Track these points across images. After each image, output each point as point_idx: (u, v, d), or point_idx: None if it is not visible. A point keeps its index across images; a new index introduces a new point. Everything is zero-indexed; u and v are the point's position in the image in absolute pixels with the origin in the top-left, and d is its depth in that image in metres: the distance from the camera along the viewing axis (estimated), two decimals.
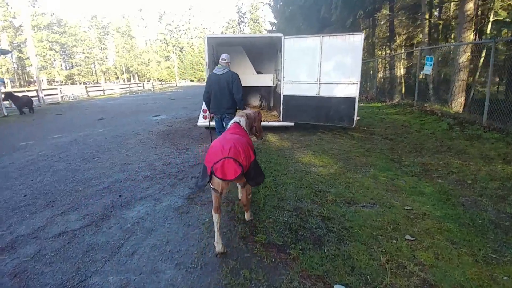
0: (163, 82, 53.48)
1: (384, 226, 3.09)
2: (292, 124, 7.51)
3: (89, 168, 5.31)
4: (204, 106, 7.50)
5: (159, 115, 12.17)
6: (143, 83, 41.99)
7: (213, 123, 5.46)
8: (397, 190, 4.08)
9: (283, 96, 7.35)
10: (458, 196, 3.84)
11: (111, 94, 30.74)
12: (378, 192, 3.98)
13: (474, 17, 8.44)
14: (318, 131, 7.92)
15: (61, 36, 66.62)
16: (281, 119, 7.53)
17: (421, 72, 9.35)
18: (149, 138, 7.67)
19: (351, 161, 5.37)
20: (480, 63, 9.20)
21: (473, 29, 8.71)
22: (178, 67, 70.19)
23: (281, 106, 7.42)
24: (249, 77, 8.98)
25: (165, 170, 5.09)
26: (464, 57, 8.61)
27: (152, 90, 37.36)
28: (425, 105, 8.58)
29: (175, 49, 73.79)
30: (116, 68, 74.96)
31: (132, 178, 4.77)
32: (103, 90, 31.70)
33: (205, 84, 5.04)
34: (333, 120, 7.01)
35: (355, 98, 6.68)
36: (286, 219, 3.30)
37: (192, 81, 70.27)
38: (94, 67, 76.32)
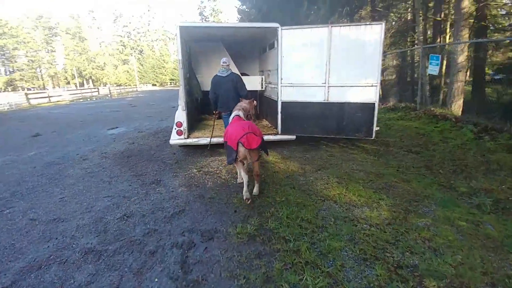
0: (122, 87, 48.57)
1: None
2: (293, 137, 5.82)
3: None
4: (177, 119, 5.49)
5: (117, 127, 9.67)
6: (98, 88, 37.39)
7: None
8: (496, 245, 2.61)
9: (282, 102, 5.63)
10: None
11: (58, 101, 26.41)
12: (479, 255, 2.46)
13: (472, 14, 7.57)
14: (321, 144, 6.34)
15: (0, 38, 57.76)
16: (279, 132, 5.79)
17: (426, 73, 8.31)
18: (100, 165, 5.41)
19: (395, 191, 3.81)
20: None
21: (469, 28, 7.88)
22: (139, 71, 64.80)
23: (279, 115, 5.69)
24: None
25: (124, 232, 3.04)
26: (462, 57, 7.71)
27: (109, 95, 33.27)
28: (432, 109, 7.49)
29: (134, 52, 68.18)
30: (66, 72, 67.08)
31: (62, 256, 2.67)
32: (49, 97, 27.10)
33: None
34: (346, 131, 5.46)
35: (374, 103, 5.20)
36: None
37: (154, 85, 65.41)
38: (40, 72, 67.55)
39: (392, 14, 12.11)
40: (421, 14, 9.43)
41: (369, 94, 5.19)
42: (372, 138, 5.38)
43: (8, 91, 54.83)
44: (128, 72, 64.63)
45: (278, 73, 5.53)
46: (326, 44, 5.15)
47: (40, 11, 64.83)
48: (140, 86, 58.75)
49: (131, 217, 3.35)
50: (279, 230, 2.91)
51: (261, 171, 4.68)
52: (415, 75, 10.67)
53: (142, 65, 65.87)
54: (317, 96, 5.42)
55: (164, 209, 3.52)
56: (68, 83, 68.65)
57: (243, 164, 3.65)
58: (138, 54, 68.35)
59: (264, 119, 7.63)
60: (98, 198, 3.97)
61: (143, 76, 65.45)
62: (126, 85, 56.38)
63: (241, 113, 4.14)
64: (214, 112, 5.24)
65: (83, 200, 3.93)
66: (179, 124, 5.50)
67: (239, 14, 27.27)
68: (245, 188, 3.57)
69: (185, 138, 5.57)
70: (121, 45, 68.33)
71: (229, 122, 4.11)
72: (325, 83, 5.31)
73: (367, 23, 5.02)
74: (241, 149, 3.39)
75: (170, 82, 70.66)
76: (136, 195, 3.98)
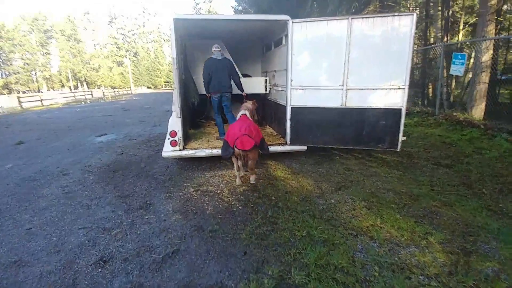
0: (116, 90, 47.40)
1: None
2: (304, 148, 5.05)
3: None
4: (171, 128, 4.69)
5: (106, 134, 8.82)
6: (91, 91, 36.31)
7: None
8: None
9: (291, 107, 4.86)
10: None
11: (51, 104, 25.37)
12: None
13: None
14: (334, 154, 5.59)
15: None
16: (288, 142, 5.02)
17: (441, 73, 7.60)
18: (81, 183, 4.58)
19: (440, 220, 3.05)
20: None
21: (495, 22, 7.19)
22: (133, 73, 63.51)
23: (288, 122, 4.92)
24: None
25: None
26: (487, 55, 7.01)
27: (103, 98, 32.25)
28: (454, 114, 6.77)
29: (129, 54, 66.93)
30: (61, 74, 65.66)
31: None
32: (41, 100, 26.04)
33: (203, 70, 5.23)
34: (366, 142, 4.70)
35: (400, 109, 4.46)
36: None
37: (149, 87, 64.23)
38: (35, 74, 66.09)
39: (402, 10, 11.41)
40: (439, 8, 8.67)
41: (395, 98, 4.44)
42: (398, 150, 4.63)
43: (3, 94, 53.43)
44: (122, 74, 63.47)
45: (288, 74, 4.76)
46: (345, 40, 4.40)
47: (35, 13, 63.41)
48: (135, 89, 57.69)
49: (109, 262, 2.54)
50: (308, 286, 2.13)
51: (271, 191, 3.91)
52: (429, 77, 9.96)
53: (137, 67, 64.76)
54: (332, 100, 4.66)
55: (153, 248, 2.72)
56: (63, 85, 67.18)
57: (237, 159, 4.03)
58: (133, 56, 67.23)
59: (267, 126, 6.85)
60: (72, 230, 3.15)
61: (138, 78, 64.33)
62: (121, 88, 55.26)
63: (247, 113, 4.43)
64: (207, 95, 5.44)
65: (54, 232, 3.11)
66: (173, 134, 4.70)
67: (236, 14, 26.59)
68: (237, 180, 4.19)
69: (180, 150, 4.78)
70: (116, 47, 67.19)
71: (238, 118, 4.41)
72: (342, 85, 4.56)
73: (395, 14, 4.26)
74: (236, 150, 3.80)
75: (165, 85, 69.60)
76: (119, 226, 3.17)
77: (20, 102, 23.61)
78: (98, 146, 7.11)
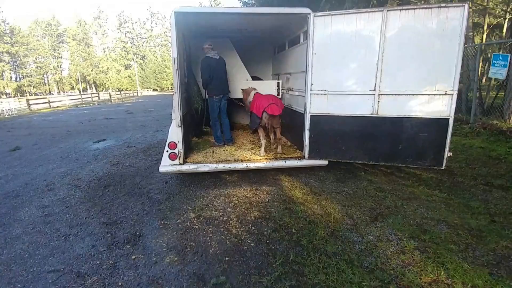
0: (123, 92, 47.20)
1: None
2: (325, 163, 4.25)
3: None
4: (170, 139, 3.95)
5: (104, 140, 8.14)
6: (98, 93, 36.08)
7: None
8: None
9: (311, 116, 4.07)
10: None
11: (58, 106, 25.04)
12: None
13: None
14: (357, 168, 4.78)
15: (12, 46, 57.20)
16: (306, 155, 4.22)
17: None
18: (64, 202, 3.85)
19: None
20: None
21: None
22: (140, 76, 63.42)
23: (306, 133, 4.13)
24: (242, 85, 5.61)
25: None
26: None
27: (110, 101, 31.89)
28: (495, 122, 5.88)
29: (136, 57, 66.94)
30: (71, 77, 66.07)
31: None
32: (49, 102, 25.75)
33: (203, 70, 4.77)
34: (403, 158, 3.87)
35: (447, 119, 3.63)
36: None
37: (155, 90, 64.05)
38: (47, 77, 66.71)
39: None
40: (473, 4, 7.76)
41: (440, 105, 3.62)
42: (443, 168, 3.79)
43: (17, 96, 53.96)
44: (130, 77, 63.55)
45: (307, 76, 3.98)
46: (378, 36, 3.61)
47: (49, 19, 64.01)
48: (141, 91, 57.55)
49: None
50: None
51: (290, 220, 3.12)
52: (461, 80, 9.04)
53: (144, 70, 64.77)
54: (361, 107, 3.86)
55: None
56: (73, 88, 67.57)
57: (264, 130, 4.48)
58: (140, 59, 67.36)
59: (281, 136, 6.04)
60: (41, 273, 2.41)
61: (145, 81, 64.27)
62: (128, 90, 55.23)
63: (258, 91, 4.93)
64: (208, 96, 4.95)
65: (18, 276, 2.39)
66: (173, 145, 3.95)
67: None
68: (262, 150, 4.44)
69: (180, 164, 4.03)
70: (124, 50, 67.47)
71: (252, 99, 4.76)
72: (374, 90, 3.76)
73: (442, 4, 3.46)
74: (264, 119, 4.24)
75: (171, 87, 69.43)
76: (97, 271, 2.41)
77: (29, 105, 23.40)
78: (93, 154, 6.42)
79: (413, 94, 3.67)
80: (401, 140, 3.81)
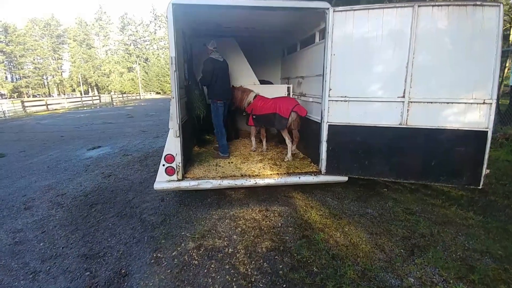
0: (125, 95, 46.70)
1: None
2: (344, 179, 3.69)
3: None
4: (167, 151, 3.40)
5: (99, 147, 7.59)
6: (99, 96, 35.58)
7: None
8: None
9: (328, 125, 3.53)
10: None
11: (56, 109, 24.51)
12: None
13: None
14: (378, 184, 4.24)
15: (7, 45, 56.83)
16: (323, 170, 3.67)
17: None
18: (41, 226, 3.29)
19: None
20: None
21: None
22: (143, 79, 63.05)
23: (323, 145, 3.58)
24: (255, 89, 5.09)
25: None
26: None
27: (111, 103, 31.38)
28: None
29: (139, 59, 66.58)
30: (72, 79, 65.68)
31: None
32: (46, 104, 25.20)
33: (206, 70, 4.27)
34: (437, 175, 3.32)
35: (486, 132, 3.10)
36: None
37: (158, 93, 63.62)
38: (46, 79, 66.31)
39: None
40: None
41: (477, 115, 3.08)
42: (480, 187, 3.25)
43: (13, 97, 53.38)
44: (133, 80, 63.24)
45: (325, 80, 3.45)
46: (408, 35, 3.09)
47: (48, 18, 63.76)
48: (144, 94, 57.16)
49: None
50: None
51: (309, 254, 2.57)
52: None
53: (147, 73, 64.46)
54: (388, 117, 3.33)
55: None
56: (74, 90, 67.08)
57: (286, 129, 4.32)
58: (143, 62, 67.11)
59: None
60: None
61: (148, 84, 63.93)
62: (131, 93, 54.82)
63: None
64: (211, 101, 4.38)
65: None
66: (170, 158, 3.41)
67: None
68: (289, 154, 4.31)
69: (178, 180, 3.48)
70: (127, 53, 67.27)
71: (251, 102, 4.65)
72: (403, 96, 3.22)
73: (477, 2, 2.95)
74: (292, 118, 4.21)
75: None
76: None
77: (24, 107, 22.83)
78: (85, 164, 5.87)
79: (447, 102, 3.14)
80: (434, 155, 3.27)
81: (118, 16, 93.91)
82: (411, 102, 3.22)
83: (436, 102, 3.18)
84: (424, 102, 3.20)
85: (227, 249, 2.69)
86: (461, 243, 2.76)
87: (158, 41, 71.17)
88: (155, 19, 71.89)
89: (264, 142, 4.83)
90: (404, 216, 3.29)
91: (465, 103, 3.12)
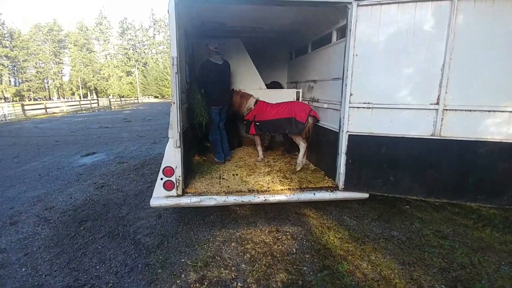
0: (123, 99, 46.42)
1: None
2: (365, 196, 3.28)
3: None
4: (166, 163, 3.00)
5: (94, 153, 7.17)
6: (97, 100, 35.29)
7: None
8: None
9: (348, 135, 3.12)
10: None
11: (54, 113, 24.17)
12: None
13: None
14: (399, 201, 3.82)
15: (12, 50, 57.00)
16: (340, 185, 3.25)
17: None
18: (24, 247, 2.86)
19: None
20: None
21: None
22: (141, 83, 62.82)
23: (342, 157, 3.18)
24: (254, 94, 4.69)
25: None
26: None
27: (109, 107, 31.04)
28: None
29: (138, 64, 66.48)
30: (72, 83, 65.54)
31: None
32: (45, 108, 24.89)
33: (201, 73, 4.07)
34: (475, 194, 2.91)
35: None
36: None
37: (156, 97, 63.37)
38: (47, 83, 66.24)
39: None
40: None
41: None
42: None
43: (15, 101, 53.24)
44: (131, 83, 63.11)
45: (345, 84, 3.06)
46: (444, 31, 2.71)
47: (50, 24, 63.90)
48: (142, 98, 56.90)
49: None
50: None
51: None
52: None
53: (145, 77, 64.39)
54: (418, 126, 2.93)
55: None
56: (73, 94, 66.91)
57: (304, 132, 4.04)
58: (142, 66, 67.09)
59: (288, 155, 5.01)
60: None
61: (146, 88, 63.78)
62: (129, 97, 54.62)
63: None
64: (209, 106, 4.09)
65: None
66: (169, 171, 2.99)
67: None
68: (302, 158, 3.98)
69: (178, 196, 3.06)
70: (126, 57, 67.28)
71: (252, 108, 4.31)
72: (436, 103, 2.83)
73: None
74: (310, 121, 3.96)
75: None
76: None
77: (23, 110, 22.56)
78: (77, 172, 5.45)
79: (491, 111, 2.74)
80: (472, 171, 2.86)
81: (118, 20, 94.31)
82: (446, 109, 2.82)
83: (476, 110, 2.77)
84: (462, 110, 2.80)
85: (235, 283, 2.26)
86: (507, 275, 2.35)
87: (157, 46, 71.36)
88: (154, 24, 72.16)
89: (260, 151, 4.48)
90: (436, 240, 2.87)
91: (510, 111, 2.72)
